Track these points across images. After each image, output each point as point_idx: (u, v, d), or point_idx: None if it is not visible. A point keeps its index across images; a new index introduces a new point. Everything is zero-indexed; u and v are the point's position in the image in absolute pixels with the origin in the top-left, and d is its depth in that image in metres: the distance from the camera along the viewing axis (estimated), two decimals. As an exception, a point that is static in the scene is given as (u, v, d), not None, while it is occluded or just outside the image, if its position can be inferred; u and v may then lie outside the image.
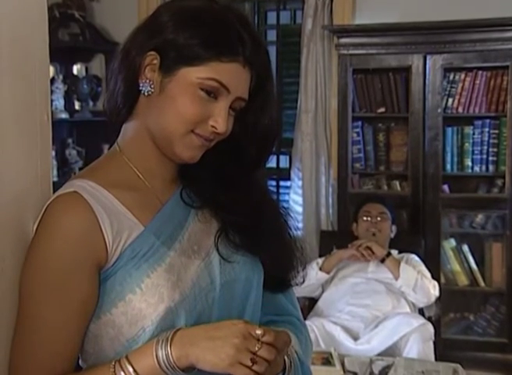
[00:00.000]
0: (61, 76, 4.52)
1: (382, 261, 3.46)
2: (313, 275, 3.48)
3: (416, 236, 3.97)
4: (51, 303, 1.03)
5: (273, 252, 1.18)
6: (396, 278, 3.39)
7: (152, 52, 1.07)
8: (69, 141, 4.68)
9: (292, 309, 1.26)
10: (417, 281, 3.37)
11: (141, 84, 1.09)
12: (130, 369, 1.00)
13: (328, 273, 3.55)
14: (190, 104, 1.06)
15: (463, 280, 4.09)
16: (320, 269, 3.54)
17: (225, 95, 1.08)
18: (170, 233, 1.10)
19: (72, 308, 1.04)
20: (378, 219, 3.69)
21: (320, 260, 3.61)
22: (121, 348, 1.05)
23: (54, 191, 1.17)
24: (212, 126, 1.08)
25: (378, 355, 3.01)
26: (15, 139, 1.10)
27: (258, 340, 0.99)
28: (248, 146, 1.16)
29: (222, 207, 1.15)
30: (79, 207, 1.04)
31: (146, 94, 1.09)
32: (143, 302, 1.03)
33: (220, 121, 1.08)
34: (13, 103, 1.10)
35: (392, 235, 3.74)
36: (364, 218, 3.71)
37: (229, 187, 1.16)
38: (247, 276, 1.15)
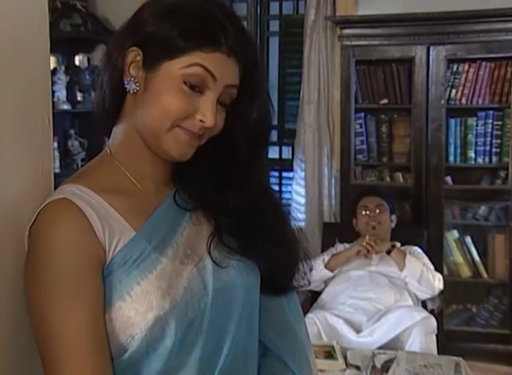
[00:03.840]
0: (63, 67, 4.52)
1: (388, 253, 3.47)
2: (317, 272, 3.48)
3: (419, 227, 3.97)
4: (69, 309, 0.99)
5: (271, 256, 1.13)
6: (402, 269, 3.40)
7: (134, 48, 1.05)
8: (72, 132, 4.68)
9: (293, 324, 1.19)
10: (422, 273, 3.38)
11: (126, 82, 1.07)
12: None
13: (332, 271, 3.56)
14: (175, 98, 1.03)
15: (465, 272, 4.09)
16: (325, 266, 3.55)
17: (212, 85, 1.04)
18: (162, 237, 1.06)
19: (89, 306, 1.00)
20: (377, 211, 3.68)
21: (326, 257, 3.60)
22: (112, 355, 1.02)
23: (56, 189, 1.17)
24: (200, 121, 1.05)
25: (381, 347, 3.01)
26: (15, 143, 1.09)
27: None
28: (240, 142, 1.12)
29: (215, 208, 1.11)
30: (69, 213, 1.01)
31: (131, 92, 1.07)
32: (132, 310, 1.00)
33: (208, 114, 1.04)
34: (14, 106, 1.09)
35: (393, 225, 3.73)
36: (363, 212, 3.71)
37: (224, 187, 1.12)
38: (242, 281, 1.10)
